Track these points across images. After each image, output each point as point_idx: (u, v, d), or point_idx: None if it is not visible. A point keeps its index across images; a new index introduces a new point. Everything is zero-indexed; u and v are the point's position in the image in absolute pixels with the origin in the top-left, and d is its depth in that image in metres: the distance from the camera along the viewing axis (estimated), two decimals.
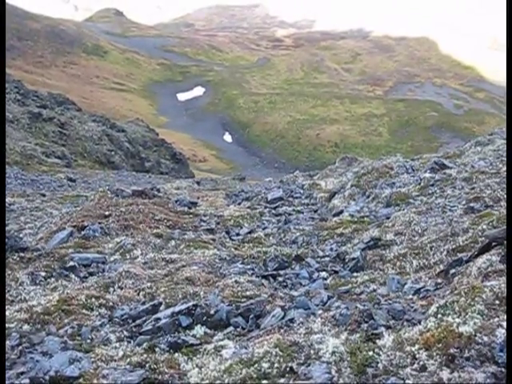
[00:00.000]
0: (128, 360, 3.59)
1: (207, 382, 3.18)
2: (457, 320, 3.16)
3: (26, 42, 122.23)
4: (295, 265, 6.71)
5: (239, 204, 13.49)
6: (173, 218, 9.57)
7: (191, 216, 10.24)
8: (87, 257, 6.96)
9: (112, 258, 7.17)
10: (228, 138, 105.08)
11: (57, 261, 6.69)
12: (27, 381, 3.32)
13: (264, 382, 3.03)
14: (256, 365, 3.19)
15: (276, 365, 3.16)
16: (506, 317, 3.10)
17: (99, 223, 8.66)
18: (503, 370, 2.76)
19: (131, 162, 43.88)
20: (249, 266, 6.68)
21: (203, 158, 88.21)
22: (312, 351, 3.29)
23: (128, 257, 7.23)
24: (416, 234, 6.98)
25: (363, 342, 3.33)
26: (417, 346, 3.04)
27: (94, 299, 5.05)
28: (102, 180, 29.17)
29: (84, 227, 8.52)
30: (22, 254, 6.81)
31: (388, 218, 8.32)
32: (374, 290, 5.05)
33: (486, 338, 2.95)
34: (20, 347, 3.84)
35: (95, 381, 3.28)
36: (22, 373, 3.45)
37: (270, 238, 8.69)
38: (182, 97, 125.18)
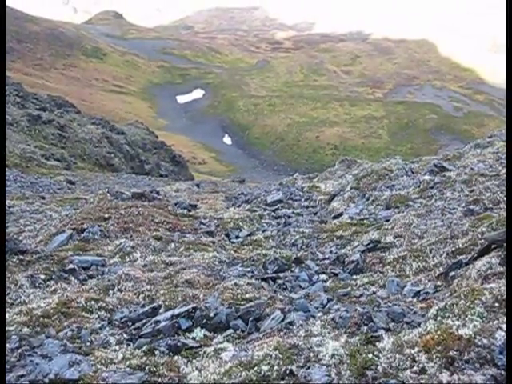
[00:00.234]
0: (128, 363, 3.59)
1: None
2: (456, 322, 3.16)
3: (25, 45, 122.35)
4: (295, 267, 6.71)
5: (239, 206, 13.49)
6: (172, 220, 9.57)
7: (191, 218, 10.23)
8: (87, 259, 6.96)
9: (112, 261, 7.17)
10: (227, 140, 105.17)
11: (56, 263, 6.69)
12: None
13: None
14: (256, 367, 3.18)
15: (276, 367, 3.16)
16: (505, 319, 3.10)
17: (99, 226, 8.66)
18: (503, 372, 2.77)
19: (131, 165, 43.88)
20: (248, 269, 6.68)
21: (203, 161, 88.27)
22: (312, 354, 3.29)
23: (127, 259, 7.23)
24: (415, 236, 6.98)
25: (363, 344, 3.33)
26: (416, 349, 3.04)
27: (93, 302, 5.04)
28: (102, 182, 29.15)
29: (83, 230, 8.51)
30: (21, 257, 6.80)
31: (387, 221, 8.32)
32: (374, 293, 5.05)
33: (485, 341, 2.95)
34: (20, 350, 3.84)
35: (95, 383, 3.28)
36: (22, 376, 3.44)
37: (270, 240, 8.69)
38: (182, 99, 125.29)
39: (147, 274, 6.20)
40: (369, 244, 7.08)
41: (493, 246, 4.72)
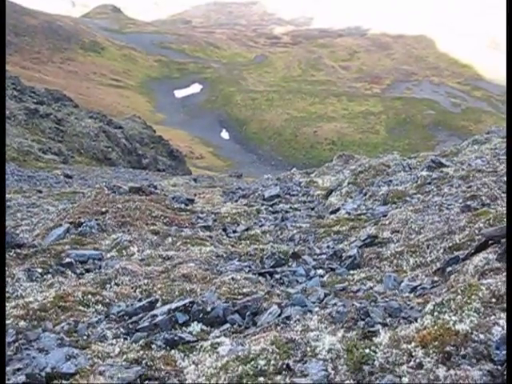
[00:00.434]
0: (124, 357, 3.59)
1: (203, 378, 3.18)
2: (453, 318, 3.16)
3: (23, 38, 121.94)
4: (292, 262, 6.72)
5: (236, 201, 13.49)
6: (170, 214, 9.56)
7: (188, 213, 10.23)
8: (84, 253, 6.95)
9: (109, 255, 7.17)
10: (225, 135, 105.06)
11: (53, 257, 6.68)
12: (23, 377, 3.32)
13: (260, 379, 3.03)
14: (252, 362, 3.19)
15: (272, 362, 3.16)
16: (503, 315, 3.11)
17: (96, 220, 8.65)
18: (499, 367, 2.77)
19: (128, 159, 43.87)
20: (245, 264, 6.69)
21: (200, 155, 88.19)
22: (308, 348, 3.30)
23: (125, 253, 7.22)
24: (413, 231, 6.99)
25: (360, 339, 3.33)
26: (413, 344, 3.04)
27: (90, 296, 5.04)
28: (99, 176, 29.14)
29: (81, 224, 8.51)
30: (18, 251, 6.80)
31: (385, 216, 8.32)
32: (371, 288, 5.05)
33: (482, 336, 2.95)
34: (16, 344, 3.83)
35: (91, 377, 3.27)
36: (19, 369, 3.44)
37: (267, 235, 8.70)
38: (179, 94, 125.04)
39: (144, 268, 6.20)
40: (366, 239, 7.09)
41: (490, 242, 4.73)
